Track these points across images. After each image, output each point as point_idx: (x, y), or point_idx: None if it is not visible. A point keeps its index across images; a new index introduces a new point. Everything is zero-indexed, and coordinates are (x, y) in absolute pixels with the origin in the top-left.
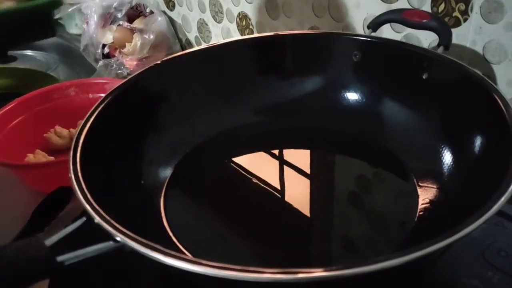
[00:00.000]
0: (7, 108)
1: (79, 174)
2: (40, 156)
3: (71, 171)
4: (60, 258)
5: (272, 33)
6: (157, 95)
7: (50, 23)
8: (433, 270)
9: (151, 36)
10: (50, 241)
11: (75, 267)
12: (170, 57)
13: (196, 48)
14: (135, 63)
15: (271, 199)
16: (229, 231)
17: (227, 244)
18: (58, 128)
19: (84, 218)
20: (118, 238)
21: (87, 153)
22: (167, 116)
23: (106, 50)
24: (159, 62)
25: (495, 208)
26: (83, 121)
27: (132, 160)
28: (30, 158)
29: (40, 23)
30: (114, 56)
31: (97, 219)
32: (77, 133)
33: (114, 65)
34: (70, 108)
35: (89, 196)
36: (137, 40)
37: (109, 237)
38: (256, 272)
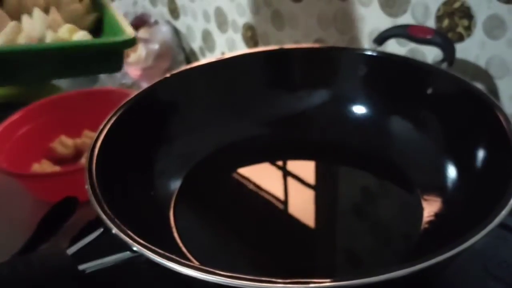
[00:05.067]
0: (13, 119)
1: (96, 185)
2: (45, 166)
3: (88, 183)
4: (81, 267)
5: (279, 47)
6: (168, 107)
7: (120, 60)
8: (437, 282)
9: (156, 46)
10: (71, 250)
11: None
12: (180, 70)
13: (204, 61)
14: (139, 72)
15: (277, 210)
16: (235, 242)
17: (233, 255)
18: (63, 138)
19: (102, 229)
20: (135, 248)
21: (102, 165)
22: (177, 128)
23: None
24: (168, 75)
25: (496, 220)
26: (97, 133)
27: (144, 172)
28: (36, 167)
29: (110, 59)
30: None
31: (115, 229)
32: (92, 144)
33: (118, 75)
34: (74, 118)
35: (106, 207)
36: (141, 49)
37: (126, 247)
38: (268, 282)
